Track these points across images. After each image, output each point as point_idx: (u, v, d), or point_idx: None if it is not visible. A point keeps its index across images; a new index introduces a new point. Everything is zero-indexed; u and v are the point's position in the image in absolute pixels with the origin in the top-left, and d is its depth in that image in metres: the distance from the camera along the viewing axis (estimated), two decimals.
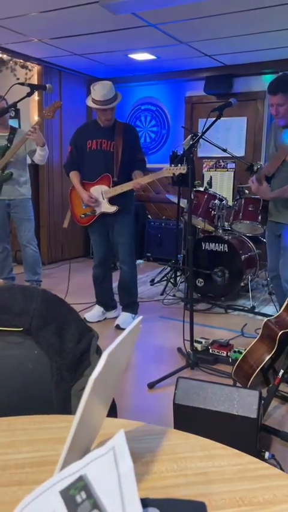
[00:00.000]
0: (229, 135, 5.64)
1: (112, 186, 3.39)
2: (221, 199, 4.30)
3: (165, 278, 4.78)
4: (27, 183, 4.13)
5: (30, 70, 5.44)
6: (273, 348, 2.16)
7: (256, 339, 2.32)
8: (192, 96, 5.91)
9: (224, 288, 4.21)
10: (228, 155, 4.29)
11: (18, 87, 3.41)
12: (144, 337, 3.41)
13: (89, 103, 3.32)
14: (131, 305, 3.70)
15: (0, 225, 4.08)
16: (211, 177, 4.80)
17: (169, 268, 4.85)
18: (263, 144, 5.52)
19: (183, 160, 3.36)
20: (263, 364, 2.18)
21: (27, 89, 3.43)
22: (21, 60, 5.32)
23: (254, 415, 1.72)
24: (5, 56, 5.21)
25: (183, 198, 4.68)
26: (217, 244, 4.21)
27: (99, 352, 1.27)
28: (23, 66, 5.39)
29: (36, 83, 5.43)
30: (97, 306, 3.81)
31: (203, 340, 3.10)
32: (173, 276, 4.75)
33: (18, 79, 5.25)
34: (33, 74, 5.48)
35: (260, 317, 3.86)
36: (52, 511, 0.58)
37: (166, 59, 5.20)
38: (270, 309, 4.03)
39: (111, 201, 3.41)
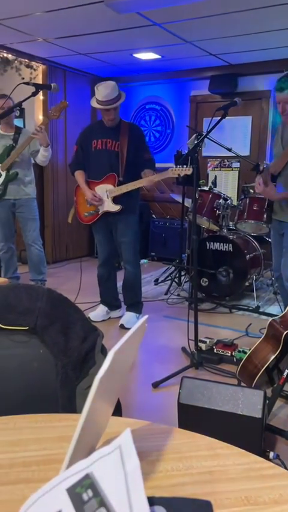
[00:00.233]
0: (234, 134, 5.64)
1: (117, 186, 3.40)
2: (225, 199, 4.29)
3: (170, 278, 4.78)
4: (32, 182, 4.14)
5: (35, 70, 5.45)
6: (278, 348, 2.16)
7: (261, 339, 2.31)
8: (197, 96, 5.91)
9: (228, 288, 4.20)
10: (233, 154, 4.28)
11: (23, 87, 3.41)
12: (149, 337, 3.41)
13: (93, 104, 3.32)
14: (135, 305, 3.70)
15: (6, 224, 4.10)
16: (216, 176, 4.80)
17: (173, 268, 4.84)
18: (267, 143, 5.51)
19: (188, 159, 3.35)
20: (267, 364, 2.18)
21: (32, 89, 3.43)
22: (26, 60, 5.33)
23: (258, 415, 1.72)
24: (10, 56, 5.22)
25: (188, 198, 4.68)
26: (222, 244, 4.20)
27: (104, 351, 1.27)
28: (27, 66, 5.40)
29: (41, 82, 5.45)
30: (101, 305, 3.82)
31: (208, 340, 3.09)
32: (177, 275, 4.74)
33: (23, 79, 5.25)
34: (38, 73, 5.49)
35: (264, 317, 3.85)
36: (59, 509, 0.58)
37: (171, 58, 5.19)
38: (275, 309, 4.01)
39: (116, 200, 3.41)
